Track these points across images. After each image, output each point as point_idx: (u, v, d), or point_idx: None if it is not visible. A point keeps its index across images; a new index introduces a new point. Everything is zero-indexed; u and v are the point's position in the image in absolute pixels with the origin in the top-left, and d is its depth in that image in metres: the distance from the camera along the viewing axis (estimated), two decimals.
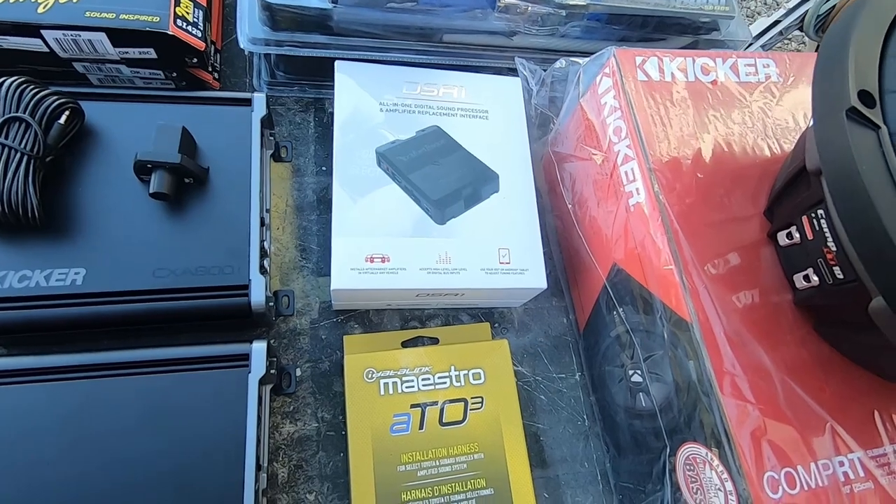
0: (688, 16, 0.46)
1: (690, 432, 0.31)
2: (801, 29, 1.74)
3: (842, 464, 0.29)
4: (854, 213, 0.22)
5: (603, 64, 0.37)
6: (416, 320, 0.43)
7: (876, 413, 0.31)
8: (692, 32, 0.48)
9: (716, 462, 0.29)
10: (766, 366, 0.30)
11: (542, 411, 0.42)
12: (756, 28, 1.84)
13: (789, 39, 1.92)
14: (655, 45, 0.48)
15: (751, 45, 1.77)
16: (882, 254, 0.22)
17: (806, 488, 0.28)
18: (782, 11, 1.76)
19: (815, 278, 0.29)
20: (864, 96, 0.23)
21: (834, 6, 1.70)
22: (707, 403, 0.29)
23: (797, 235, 0.30)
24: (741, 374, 0.29)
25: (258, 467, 0.32)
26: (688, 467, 0.31)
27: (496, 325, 0.44)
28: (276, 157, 0.44)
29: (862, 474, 0.29)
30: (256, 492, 0.32)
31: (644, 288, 0.34)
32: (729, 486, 0.28)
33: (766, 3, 2.17)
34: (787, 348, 0.31)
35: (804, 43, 1.89)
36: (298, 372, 0.39)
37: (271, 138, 0.43)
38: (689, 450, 0.31)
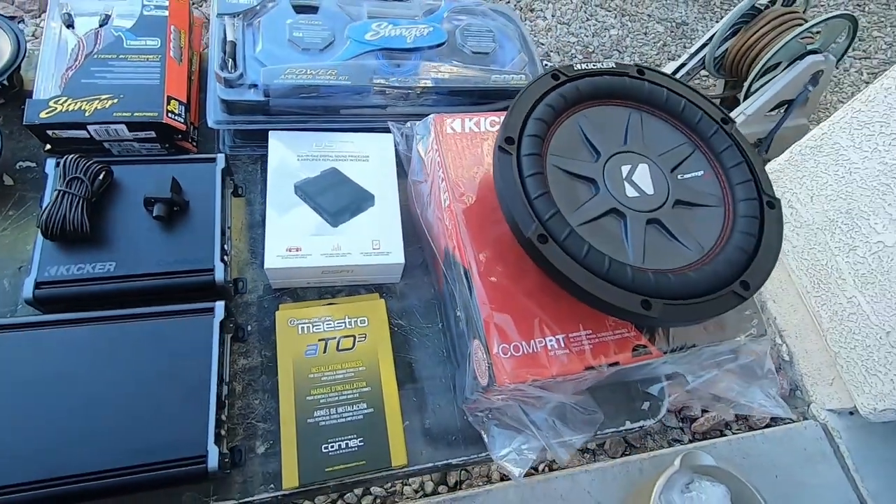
0: (500, 88, 0.71)
1: (472, 333, 0.52)
2: (704, 68, 2.06)
3: (550, 340, 0.50)
4: (501, 203, 0.45)
5: (428, 124, 0.61)
6: (328, 293, 0.65)
7: (579, 315, 0.53)
8: (508, 98, 0.72)
9: (479, 345, 0.51)
10: (510, 290, 0.52)
11: (415, 348, 0.64)
12: (667, 70, 2.16)
13: (699, 77, 2.22)
14: (483, 107, 0.72)
15: None
16: (513, 227, 0.45)
17: (524, 353, 0.49)
18: (686, 56, 2.08)
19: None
20: (508, 140, 0.46)
21: (727, 49, 2.01)
22: (475, 312, 0.51)
23: None
24: (492, 293, 0.50)
25: (221, 380, 0.53)
26: (474, 355, 0.53)
27: (384, 294, 0.66)
28: (235, 194, 0.68)
29: (562, 346, 0.50)
30: (219, 395, 0.52)
31: (454, 256, 0.56)
32: (482, 355, 0.50)
33: (685, 48, 2.49)
34: (526, 283, 0.53)
35: (707, 78, 2.20)
36: (249, 328, 0.61)
37: (231, 181, 0.67)
38: (474, 344, 0.53)
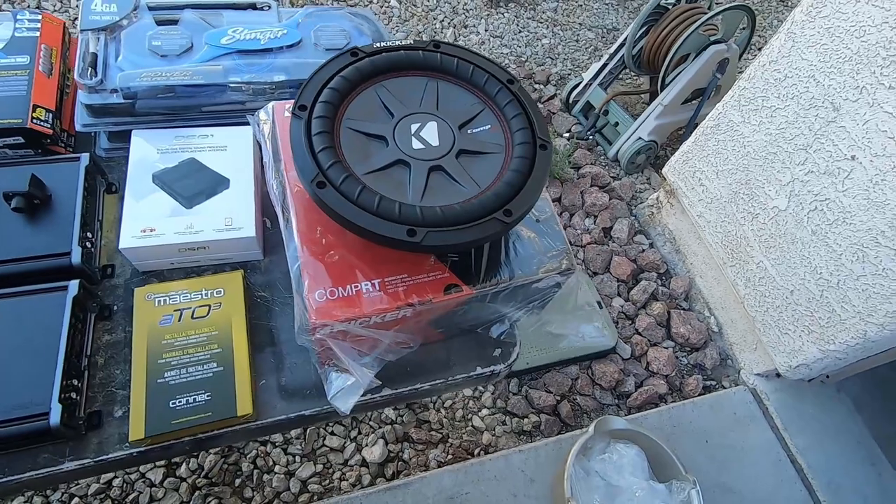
0: None
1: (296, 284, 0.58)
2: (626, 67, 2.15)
3: (365, 285, 0.56)
4: (293, 160, 0.52)
5: (268, 110, 0.68)
6: (195, 273, 0.70)
7: (396, 262, 0.58)
8: None
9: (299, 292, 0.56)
10: (330, 244, 0.57)
11: (276, 316, 0.69)
12: (591, 72, 2.25)
13: (629, 76, 2.34)
14: None
15: (589, 84, 2.17)
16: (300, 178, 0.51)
17: (339, 297, 0.55)
18: (606, 57, 2.19)
19: None
20: (301, 107, 0.53)
21: (642, 47, 2.13)
22: (293, 263, 0.56)
23: None
24: (309, 246, 0.56)
25: (73, 349, 0.58)
26: (297, 304, 0.58)
27: (249, 271, 0.71)
28: (109, 191, 0.74)
29: (377, 288, 0.56)
30: (68, 361, 0.57)
31: (287, 220, 0.62)
32: (301, 301, 0.55)
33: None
34: (347, 239, 0.59)
35: (636, 77, 2.30)
36: (115, 307, 0.66)
37: (104, 180, 0.73)
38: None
